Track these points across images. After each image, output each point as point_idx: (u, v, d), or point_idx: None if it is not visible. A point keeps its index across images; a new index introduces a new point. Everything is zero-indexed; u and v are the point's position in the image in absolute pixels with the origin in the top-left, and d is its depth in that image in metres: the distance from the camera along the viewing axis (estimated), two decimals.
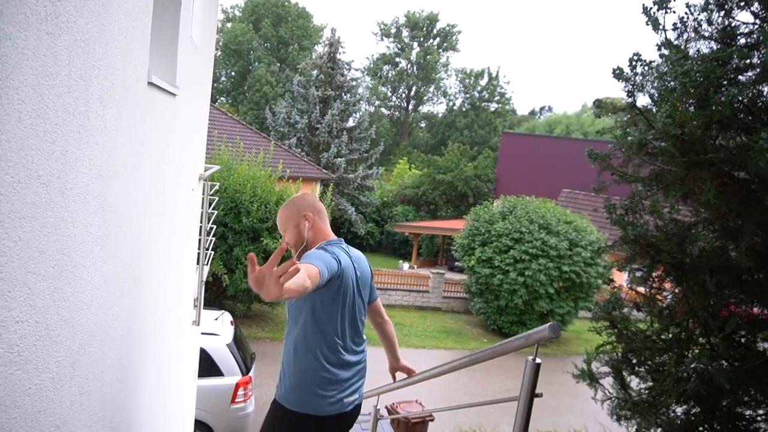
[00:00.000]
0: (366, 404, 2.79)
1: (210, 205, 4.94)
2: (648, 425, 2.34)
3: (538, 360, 1.67)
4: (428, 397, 8.74)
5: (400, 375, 2.90)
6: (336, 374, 2.20)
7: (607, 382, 2.47)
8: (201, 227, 4.72)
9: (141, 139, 1.93)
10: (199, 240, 4.73)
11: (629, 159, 2.04)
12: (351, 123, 28.78)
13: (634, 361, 2.35)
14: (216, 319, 7.57)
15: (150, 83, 1.99)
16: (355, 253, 2.40)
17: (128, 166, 1.77)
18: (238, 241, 11.19)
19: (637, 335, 2.18)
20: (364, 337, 2.45)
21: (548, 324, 1.56)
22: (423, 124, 57.48)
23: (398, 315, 15.23)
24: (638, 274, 2.12)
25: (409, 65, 53.45)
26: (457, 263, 23.49)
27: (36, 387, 1.10)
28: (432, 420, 7.13)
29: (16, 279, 0.95)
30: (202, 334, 6.35)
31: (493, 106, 52.15)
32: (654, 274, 2.20)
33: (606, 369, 2.44)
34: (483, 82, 51.64)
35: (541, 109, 67.79)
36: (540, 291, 13.07)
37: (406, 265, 24.69)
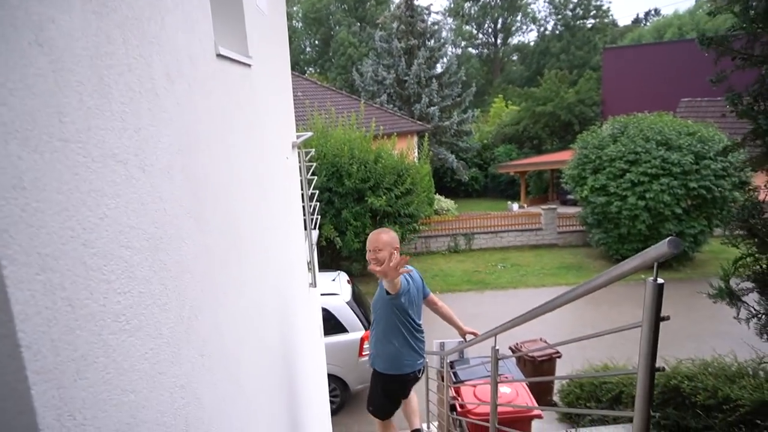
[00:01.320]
0: (485, 345, 3.72)
1: (308, 171, 5.07)
2: None
3: (660, 280, 1.50)
4: (553, 336, 8.56)
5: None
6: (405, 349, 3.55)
7: (752, 298, 2.20)
8: (302, 194, 4.87)
9: (219, 111, 1.97)
10: (303, 207, 4.90)
11: (755, 37, 1.71)
12: (439, 69, 28.02)
13: None
14: (333, 279, 7.91)
15: (219, 55, 2.01)
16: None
17: (211, 138, 1.82)
18: (344, 203, 11.52)
19: None
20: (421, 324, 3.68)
21: (667, 239, 1.39)
22: (515, 57, 54.50)
23: (513, 256, 14.95)
24: None
25: None
26: (569, 196, 22.39)
27: (152, 351, 1.18)
28: (559, 357, 6.98)
29: (110, 253, 1.01)
30: (322, 294, 6.67)
31: (590, 23, 47.85)
32: None
33: (748, 284, 2.17)
34: None
35: (647, 14, 61.17)
36: (665, 213, 12.03)
37: (515, 206, 24.02)
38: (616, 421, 5.25)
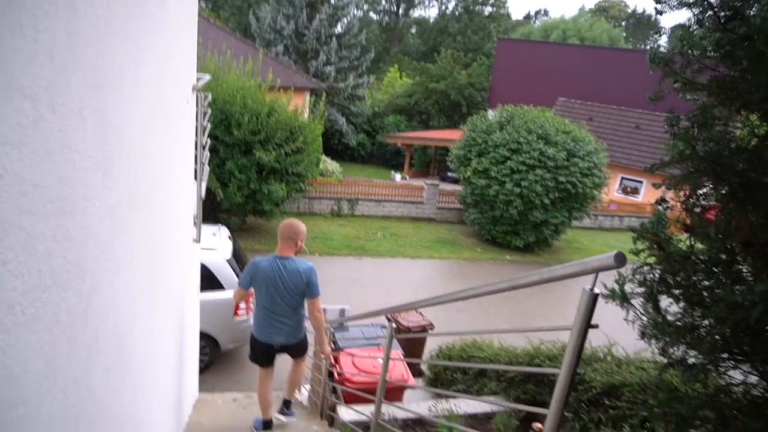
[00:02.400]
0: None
1: (204, 117, 4.61)
2: (676, 344, 2.29)
3: (596, 290, 1.52)
4: (441, 310, 8.93)
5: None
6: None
7: (637, 302, 2.38)
8: (197, 141, 4.43)
9: (135, 41, 1.63)
10: (195, 155, 4.47)
11: (688, 64, 1.78)
12: (339, 29, 27.30)
13: (671, 282, 2.23)
14: (214, 234, 7.45)
15: None
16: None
17: (125, 74, 1.49)
18: (229, 154, 10.85)
19: (680, 257, 2.04)
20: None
21: (613, 252, 1.39)
22: (414, 30, 54.90)
23: (393, 226, 15.28)
24: (701, 193, 1.94)
25: None
26: (449, 173, 23.37)
27: (48, 345, 0.92)
28: (432, 328, 7.27)
29: (8, 222, 0.74)
30: (202, 249, 6.24)
31: (488, 10, 49.61)
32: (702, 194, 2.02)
33: (639, 290, 2.33)
34: None
35: (537, 13, 64.89)
36: (535, 201, 12.99)
37: (398, 176, 24.52)
38: (479, 392, 5.58)
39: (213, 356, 6.97)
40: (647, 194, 20.50)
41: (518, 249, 13.99)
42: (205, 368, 6.87)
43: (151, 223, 2.11)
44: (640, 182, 21.07)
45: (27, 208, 0.81)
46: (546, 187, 12.94)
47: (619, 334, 3.79)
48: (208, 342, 6.79)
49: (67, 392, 1.04)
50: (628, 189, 21.42)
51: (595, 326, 1.57)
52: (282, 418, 4.40)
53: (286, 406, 4.50)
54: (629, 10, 55.20)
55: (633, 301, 2.44)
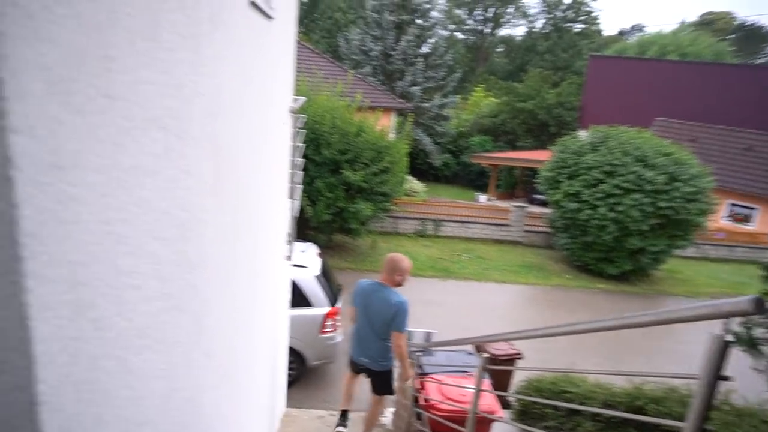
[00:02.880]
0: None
1: (298, 138, 4.78)
2: None
3: (728, 337, 1.35)
4: (551, 350, 8.60)
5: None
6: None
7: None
8: (291, 161, 4.59)
9: (246, 68, 1.70)
10: (290, 174, 4.62)
11: None
12: (426, 49, 27.55)
13: None
14: (303, 251, 7.66)
15: (252, 3, 1.73)
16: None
17: (235, 100, 1.55)
18: (318, 173, 11.17)
19: None
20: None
21: (749, 297, 1.23)
22: (500, 49, 54.32)
23: (478, 248, 14.99)
24: None
25: None
26: (537, 196, 22.65)
27: (168, 365, 0.95)
28: (521, 358, 6.99)
29: (141, 249, 0.77)
30: (293, 266, 6.43)
31: (578, 27, 47.98)
32: None
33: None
34: (567, 0, 47.39)
35: (632, 28, 62.01)
36: (632, 227, 12.19)
37: (483, 197, 24.13)
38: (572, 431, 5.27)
39: (300, 372, 7.11)
40: (762, 222, 18.65)
41: (612, 277, 13.19)
42: (291, 383, 7.03)
43: (253, 242, 2.17)
44: (754, 209, 19.17)
45: (157, 234, 0.83)
46: (644, 213, 12.14)
47: (741, 380, 3.42)
48: (295, 357, 6.94)
49: (182, 411, 1.07)
50: (738, 216, 19.60)
51: (727, 378, 1.40)
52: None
53: None
54: (737, 22, 51.33)
55: (763, 348, 2.18)
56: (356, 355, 4.14)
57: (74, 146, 0.53)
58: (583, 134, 15.66)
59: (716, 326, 1.48)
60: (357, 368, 4.30)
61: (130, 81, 0.69)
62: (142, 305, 0.77)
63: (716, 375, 1.39)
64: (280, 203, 3.58)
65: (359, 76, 20.46)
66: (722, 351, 1.37)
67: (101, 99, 0.60)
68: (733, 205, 19.62)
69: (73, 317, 0.55)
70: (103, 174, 0.61)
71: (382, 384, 4.29)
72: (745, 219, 19.44)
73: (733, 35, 50.54)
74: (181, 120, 0.96)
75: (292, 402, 6.37)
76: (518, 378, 6.40)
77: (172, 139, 0.90)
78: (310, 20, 44.75)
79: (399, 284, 3.87)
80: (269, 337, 3.19)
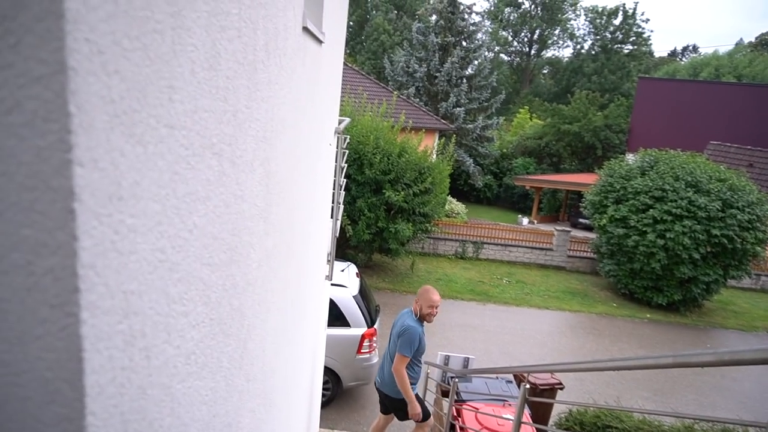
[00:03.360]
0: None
1: (343, 158, 4.82)
2: None
3: None
4: (593, 380, 8.31)
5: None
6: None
7: None
8: (334, 181, 4.63)
9: (297, 92, 1.72)
10: (333, 194, 4.66)
11: None
12: (470, 71, 27.60)
13: None
14: (342, 270, 7.69)
15: (305, 28, 1.76)
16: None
17: (287, 124, 1.57)
18: (360, 192, 11.26)
19: None
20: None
21: None
22: (546, 71, 53.88)
23: (519, 272, 14.71)
24: None
25: (532, 5, 49.79)
26: (581, 220, 22.10)
27: (211, 391, 0.94)
28: (562, 388, 6.75)
29: (192, 276, 0.77)
30: (332, 285, 6.45)
31: (628, 48, 47.07)
32: None
33: None
34: (617, 21, 46.47)
35: (684, 49, 60.52)
36: (683, 255, 11.72)
37: (525, 220, 23.75)
38: None
39: (335, 392, 7.09)
40: None
41: (660, 307, 12.67)
42: (326, 403, 7.00)
43: (297, 264, 2.18)
44: None
45: (207, 260, 0.83)
46: (696, 240, 11.67)
47: None
48: (331, 377, 6.93)
49: None
50: None
51: None
52: None
53: None
54: None
55: None
56: (377, 380, 4.32)
57: (134, 177, 0.53)
58: (631, 158, 15.27)
59: None
60: (381, 400, 4.38)
61: (190, 110, 0.70)
62: (190, 331, 0.77)
63: None
64: (323, 223, 3.60)
65: (403, 97, 20.65)
66: None
67: (162, 128, 0.61)
68: None
69: (124, 347, 0.54)
70: (160, 203, 0.61)
71: (398, 411, 4.33)
72: None
73: None
74: (235, 146, 0.97)
75: (325, 422, 6.34)
76: (559, 409, 6.18)
77: (227, 165, 0.91)
78: (356, 42, 45.67)
79: (421, 313, 3.95)
80: (309, 358, 3.19)
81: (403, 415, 4.30)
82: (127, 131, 0.51)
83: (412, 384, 4.08)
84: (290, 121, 1.65)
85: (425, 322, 4.03)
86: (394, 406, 4.25)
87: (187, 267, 0.74)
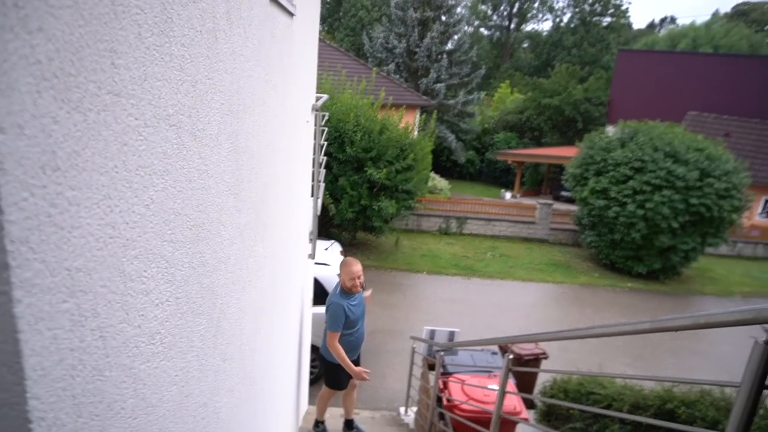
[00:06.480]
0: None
1: (322, 136, 4.76)
2: None
3: None
4: (578, 350, 8.44)
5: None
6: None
7: None
8: (314, 159, 4.57)
9: (266, 65, 1.67)
10: (313, 172, 4.61)
11: None
12: (450, 46, 27.33)
13: None
14: (326, 249, 7.66)
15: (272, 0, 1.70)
16: None
17: (256, 98, 1.52)
18: (342, 170, 11.18)
19: None
20: None
21: None
22: (526, 45, 53.60)
23: (503, 246, 14.82)
24: None
25: None
26: (563, 192, 22.27)
27: (182, 372, 0.92)
28: (546, 358, 6.88)
29: (151, 253, 0.73)
30: (315, 264, 6.42)
31: (606, 21, 46.98)
32: None
33: None
34: None
35: (662, 21, 60.54)
36: (662, 225, 11.88)
37: (508, 194, 23.88)
38: None
39: (322, 369, 7.11)
40: None
41: (640, 276, 12.90)
42: (315, 380, 7.04)
43: (274, 241, 2.15)
44: None
45: (168, 236, 0.80)
46: (675, 210, 11.83)
47: None
48: (317, 355, 6.94)
49: (197, 416, 1.04)
50: None
51: None
52: None
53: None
54: None
55: None
56: (322, 347, 4.40)
57: (73, 146, 0.49)
58: (611, 130, 15.35)
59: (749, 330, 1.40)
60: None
61: (139, 77, 0.66)
62: (153, 310, 0.74)
63: (759, 383, 1.31)
64: (301, 201, 3.56)
65: (383, 73, 20.43)
66: (766, 358, 1.29)
67: (105, 95, 0.57)
68: None
69: (71, 327, 0.51)
70: (107, 175, 0.58)
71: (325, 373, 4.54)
72: None
73: None
74: (196, 118, 0.93)
75: (314, 399, 6.37)
76: (544, 378, 6.29)
77: (187, 138, 0.87)
78: (334, 19, 44.88)
79: (345, 285, 4.03)
80: (295, 336, 3.18)
81: (327, 378, 4.49)
82: (59, 96, 0.47)
83: (355, 347, 4.22)
84: (260, 96, 1.60)
85: (353, 293, 4.07)
86: (325, 368, 4.44)
87: (145, 244, 0.71)
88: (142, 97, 0.67)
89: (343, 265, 4.10)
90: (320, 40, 19.29)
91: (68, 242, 0.50)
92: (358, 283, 4.04)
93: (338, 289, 4.08)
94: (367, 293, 4.56)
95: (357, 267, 4.08)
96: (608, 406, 5.21)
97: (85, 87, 0.52)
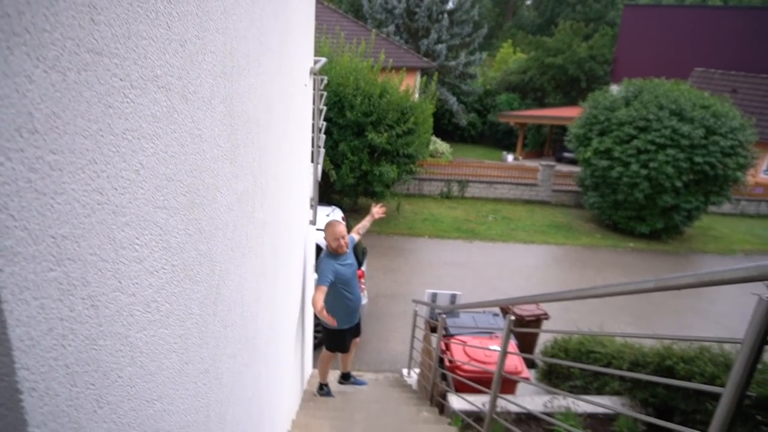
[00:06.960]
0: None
1: (321, 100, 4.68)
2: None
3: None
4: (579, 310, 8.51)
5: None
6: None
7: None
8: (313, 124, 4.51)
9: (260, 26, 1.62)
10: (312, 138, 4.55)
11: None
12: (451, 5, 26.68)
13: None
14: (327, 215, 7.65)
15: None
16: None
17: (251, 59, 1.47)
18: (342, 136, 11.07)
19: None
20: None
21: None
22: (529, 2, 52.31)
23: (505, 209, 14.82)
24: None
25: None
26: (565, 153, 22.12)
27: (181, 339, 0.91)
28: (547, 318, 6.95)
29: (143, 219, 0.72)
30: (317, 230, 6.43)
31: None
32: None
33: None
34: None
35: None
36: (665, 184, 11.81)
37: (510, 157, 23.72)
38: (599, 391, 5.23)
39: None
40: None
41: (643, 236, 12.91)
42: (318, 345, 7.14)
43: (274, 207, 2.13)
44: None
45: (161, 202, 0.78)
46: (679, 169, 11.75)
47: None
48: (320, 320, 7.02)
49: (198, 383, 1.04)
50: None
51: None
52: None
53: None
54: None
55: None
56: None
57: (51, 107, 0.47)
58: (615, 88, 15.11)
59: (751, 287, 1.39)
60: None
61: (122, 35, 0.62)
62: (147, 278, 0.73)
63: (762, 339, 1.31)
64: (301, 167, 3.53)
65: (382, 35, 20.02)
66: None
67: (85, 54, 0.54)
68: None
69: (60, 296, 0.50)
70: (91, 139, 0.55)
71: (326, 337, 4.62)
72: None
73: None
74: (186, 80, 0.89)
75: (317, 363, 6.48)
76: (545, 338, 6.37)
77: (177, 100, 0.84)
78: None
79: (331, 247, 4.11)
80: (297, 301, 3.20)
81: (328, 341, 4.60)
82: (34, 54, 0.44)
83: (352, 311, 4.35)
84: (255, 57, 1.55)
85: (340, 253, 4.13)
86: (326, 331, 4.54)
87: (137, 210, 0.69)
88: (126, 56, 0.63)
89: (326, 227, 4.18)
90: (318, 1, 18.85)
91: (52, 209, 0.48)
92: (343, 243, 4.10)
93: (326, 251, 4.15)
94: (377, 208, 4.87)
95: (340, 227, 4.14)
96: (608, 364, 5.29)
97: (62, 44, 0.49)
